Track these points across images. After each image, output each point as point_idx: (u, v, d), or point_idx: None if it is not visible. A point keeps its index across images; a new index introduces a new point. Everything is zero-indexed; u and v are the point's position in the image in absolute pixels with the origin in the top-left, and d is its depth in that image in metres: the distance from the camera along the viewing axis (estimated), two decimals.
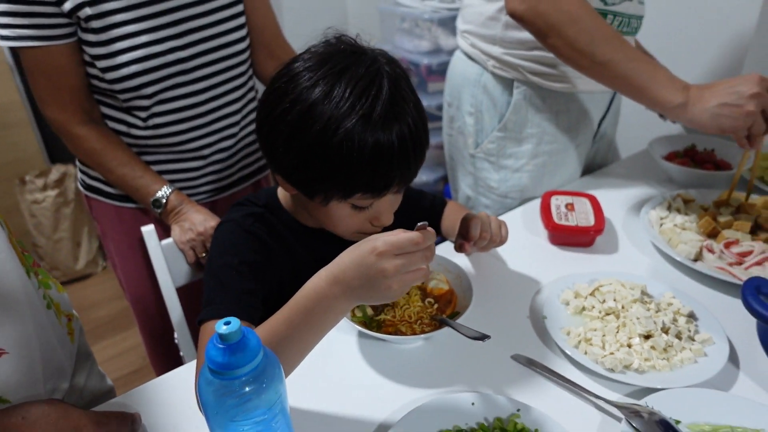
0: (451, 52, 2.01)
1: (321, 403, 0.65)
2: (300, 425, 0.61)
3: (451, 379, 0.66)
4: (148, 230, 0.92)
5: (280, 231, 0.75)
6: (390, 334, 0.70)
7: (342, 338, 0.74)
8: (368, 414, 0.63)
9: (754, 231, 0.88)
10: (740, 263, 0.82)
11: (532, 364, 0.68)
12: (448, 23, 1.96)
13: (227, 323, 0.44)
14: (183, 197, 0.94)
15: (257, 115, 0.69)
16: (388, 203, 0.69)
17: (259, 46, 1.02)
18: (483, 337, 0.61)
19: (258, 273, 0.70)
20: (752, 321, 0.66)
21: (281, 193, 0.77)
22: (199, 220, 0.92)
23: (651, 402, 0.60)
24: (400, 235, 0.54)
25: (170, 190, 0.93)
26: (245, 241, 0.72)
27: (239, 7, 0.96)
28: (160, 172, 0.98)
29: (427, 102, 2.04)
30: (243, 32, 0.97)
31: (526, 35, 0.92)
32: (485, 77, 1.01)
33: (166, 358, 1.14)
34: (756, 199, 0.94)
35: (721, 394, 0.62)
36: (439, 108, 2.06)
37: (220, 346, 0.44)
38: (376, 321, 0.72)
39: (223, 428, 0.47)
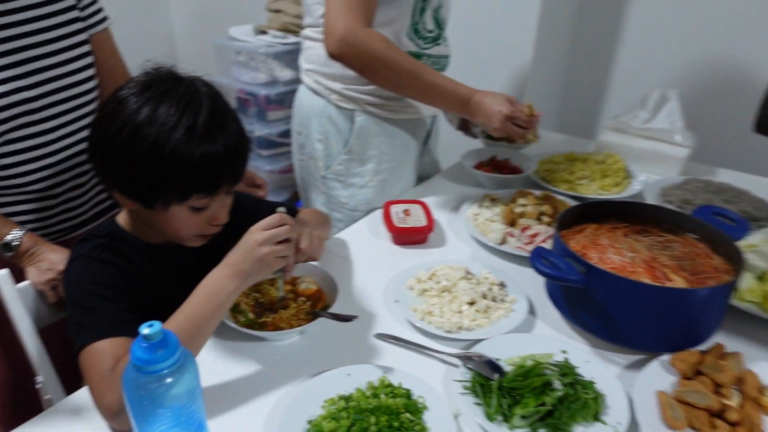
0: (288, 83, 2.17)
1: (220, 400, 0.74)
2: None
3: (329, 362, 0.79)
4: (3, 274, 0.91)
5: (128, 254, 0.82)
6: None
7: (229, 344, 0.83)
8: (260, 401, 0.74)
9: (539, 218, 1.16)
10: (532, 242, 1.08)
11: (391, 338, 0.85)
12: (283, 57, 2.11)
13: (150, 326, 0.53)
14: (36, 238, 0.95)
15: (90, 139, 0.77)
16: (222, 202, 0.80)
17: (109, 84, 1.07)
18: (351, 318, 0.77)
19: (122, 293, 0.76)
20: (543, 282, 0.90)
21: (121, 218, 0.85)
22: (58, 259, 0.93)
23: (479, 349, 0.80)
24: (267, 218, 0.71)
25: (21, 233, 0.93)
26: (100, 270, 0.78)
27: (86, 47, 1.00)
28: (11, 214, 0.97)
29: (267, 130, 2.16)
30: (91, 71, 1.02)
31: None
32: (329, 109, 1.18)
33: (14, 410, 1.08)
34: (540, 193, 1.24)
35: (526, 335, 0.85)
36: (280, 135, 2.20)
37: (145, 345, 0.53)
38: (259, 323, 0.84)
39: (151, 418, 0.55)
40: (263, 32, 2.17)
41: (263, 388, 0.76)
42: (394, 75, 1.06)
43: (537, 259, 0.83)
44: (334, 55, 1.05)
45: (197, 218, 0.77)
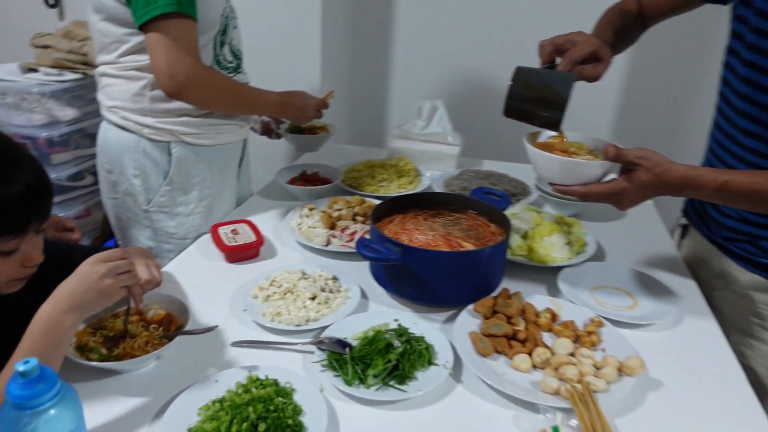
0: (71, 123, 2.03)
1: None
2: None
3: (193, 379, 0.83)
4: None
5: None
6: None
7: (86, 386, 0.82)
8: None
9: (354, 218, 1.33)
10: (352, 239, 1.24)
11: (247, 343, 0.92)
12: (61, 95, 1.98)
13: (25, 362, 0.54)
14: None
15: None
16: (33, 242, 0.81)
17: None
18: (211, 328, 0.82)
19: None
20: (368, 269, 1.06)
21: None
22: None
23: (328, 333, 0.92)
24: (106, 251, 0.74)
25: None
26: None
27: None
28: None
29: (54, 174, 2.00)
30: None
31: (173, 105, 1.15)
32: (143, 143, 1.19)
33: None
34: (351, 198, 1.41)
35: (363, 314, 1.00)
36: (69, 178, 2.05)
37: (22, 381, 0.54)
38: (114, 356, 0.84)
39: None
40: (33, 70, 2.00)
41: (132, 420, 0.77)
42: (231, 100, 1.22)
43: (362, 248, 0.98)
44: (176, 95, 1.11)
45: (9, 262, 0.76)
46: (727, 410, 0.83)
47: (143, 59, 1.15)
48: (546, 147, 0.99)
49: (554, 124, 0.97)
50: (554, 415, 0.77)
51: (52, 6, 2.15)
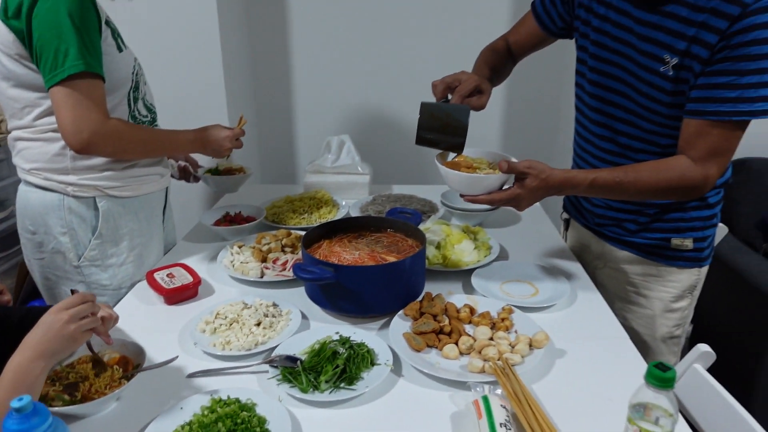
0: None
1: None
2: None
3: (160, 408, 0.89)
4: None
5: None
6: None
7: None
8: None
9: (283, 250, 1.43)
10: (285, 268, 1.34)
11: (203, 372, 0.99)
12: None
13: (19, 400, 0.60)
14: None
15: None
16: None
17: None
18: (172, 360, 0.89)
19: None
20: (303, 292, 1.16)
21: None
22: None
23: (277, 352, 1.01)
24: (68, 298, 0.80)
25: None
26: None
27: None
28: None
29: None
30: None
31: (95, 162, 1.20)
32: (68, 201, 1.22)
33: None
34: (277, 231, 1.50)
35: (306, 332, 1.09)
36: None
37: (17, 417, 0.59)
38: (77, 402, 0.88)
39: None
40: None
41: None
42: (143, 147, 1.28)
43: (299, 271, 1.09)
44: (84, 151, 1.15)
45: None
46: (617, 365, 1.02)
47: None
48: (454, 165, 1.17)
49: (458, 148, 1.15)
50: (483, 388, 0.91)
51: None
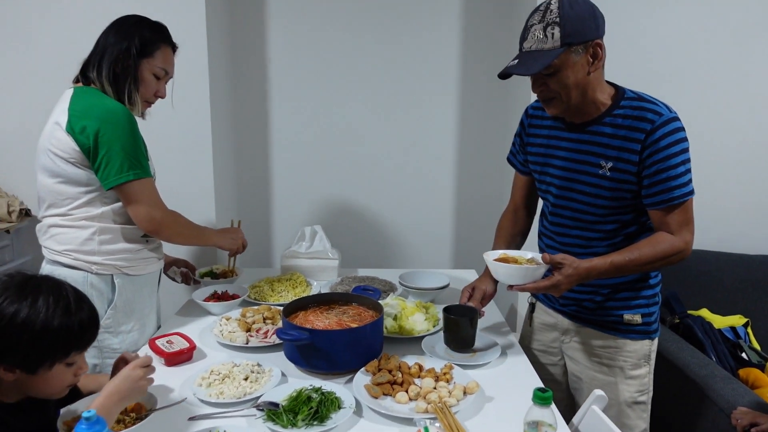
0: None
1: None
2: None
3: None
4: None
5: None
6: None
7: None
8: None
9: (265, 321, 1.69)
10: (267, 336, 1.59)
11: (202, 416, 1.22)
12: None
13: (89, 412, 0.84)
14: None
15: None
16: (84, 358, 1.11)
17: None
18: (181, 401, 1.13)
19: None
20: (282, 355, 1.42)
21: None
22: None
23: (263, 399, 1.26)
24: (140, 358, 1.06)
25: None
26: None
27: None
28: None
29: None
30: None
31: (117, 247, 1.48)
32: (91, 277, 1.48)
33: None
34: (260, 306, 1.77)
35: (285, 385, 1.33)
36: None
37: (85, 426, 0.84)
38: None
39: None
40: None
41: None
42: (189, 233, 1.67)
43: (282, 333, 1.36)
44: (155, 233, 1.54)
45: (68, 371, 1.04)
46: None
47: (93, 211, 1.48)
48: (501, 260, 1.44)
49: (469, 348, 1.54)
50: (425, 422, 1.17)
51: None
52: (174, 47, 1.62)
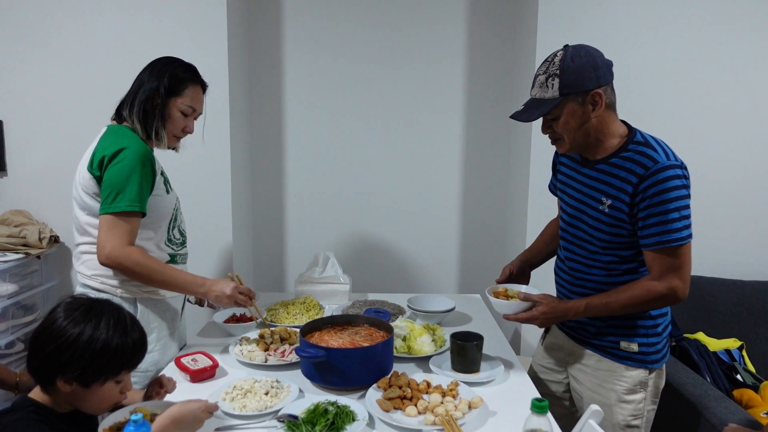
0: (10, 296, 2.29)
1: None
2: None
3: None
4: None
5: (48, 419, 1.13)
6: None
7: None
8: None
9: (281, 341, 1.80)
10: (284, 355, 1.70)
11: (227, 428, 1.32)
12: (3, 273, 2.27)
13: (136, 414, 0.95)
14: None
15: (30, 351, 1.12)
16: (129, 377, 1.22)
17: None
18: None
19: None
20: (299, 373, 1.53)
21: (36, 395, 1.15)
22: None
23: (283, 412, 1.36)
24: (211, 403, 1.20)
25: None
26: (38, 428, 1.08)
27: None
28: None
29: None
30: None
31: None
32: (115, 299, 1.59)
33: None
34: (277, 327, 1.88)
35: (302, 400, 1.44)
36: (5, 347, 2.27)
37: (134, 426, 0.95)
38: None
39: None
40: None
41: None
42: (148, 277, 1.58)
43: (301, 351, 1.47)
44: (104, 265, 1.56)
45: (116, 389, 1.15)
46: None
47: None
48: (498, 295, 1.66)
49: (474, 371, 1.64)
50: None
51: None
52: (204, 86, 1.76)
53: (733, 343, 2.19)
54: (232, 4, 2.50)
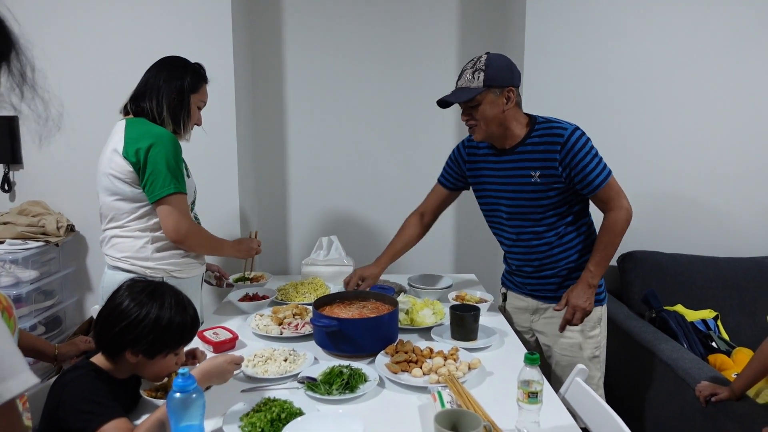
0: (32, 282, 2.42)
1: None
2: None
3: (228, 405, 1.37)
4: None
5: (107, 381, 1.27)
6: None
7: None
8: None
9: (294, 316, 1.95)
10: (297, 328, 1.85)
11: (251, 389, 1.47)
12: (24, 261, 2.39)
13: (183, 371, 1.10)
14: None
15: (101, 328, 1.26)
16: (183, 348, 1.37)
17: None
18: (237, 372, 1.38)
19: (112, 398, 1.22)
20: (313, 343, 1.69)
21: (97, 360, 1.29)
22: None
23: (302, 374, 1.51)
24: (231, 353, 1.35)
25: None
26: (97, 383, 1.22)
27: None
28: None
29: None
30: None
31: (167, 253, 1.75)
32: None
33: None
34: (289, 304, 2.03)
35: (318, 364, 1.59)
36: (28, 330, 2.39)
37: (181, 379, 1.09)
38: None
39: (184, 424, 1.09)
40: None
41: None
42: (209, 245, 1.86)
43: (315, 320, 1.62)
44: (179, 243, 1.74)
45: (173, 360, 1.31)
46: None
47: (146, 223, 1.75)
48: (459, 299, 1.88)
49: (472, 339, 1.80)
50: (438, 389, 1.43)
51: (6, 191, 2.63)
52: (207, 82, 1.92)
53: (708, 314, 2.37)
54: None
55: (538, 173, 1.76)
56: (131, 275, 1.74)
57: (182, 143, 1.92)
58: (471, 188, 2.04)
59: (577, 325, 1.77)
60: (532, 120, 1.82)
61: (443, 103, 1.78)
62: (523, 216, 1.85)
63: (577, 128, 1.75)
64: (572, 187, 1.77)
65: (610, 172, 1.75)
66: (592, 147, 1.74)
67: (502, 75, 1.73)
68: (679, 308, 2.40)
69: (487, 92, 1.72)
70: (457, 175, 2.05)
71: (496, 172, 1.88)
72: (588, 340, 1.86)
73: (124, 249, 1.77)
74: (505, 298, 2.10)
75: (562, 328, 1.80)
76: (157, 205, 1.71)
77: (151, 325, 1.25)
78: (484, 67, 1.71)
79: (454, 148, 2.09)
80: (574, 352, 1.87)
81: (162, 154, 1.69)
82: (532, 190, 1.79)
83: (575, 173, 1.73)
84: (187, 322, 1.30)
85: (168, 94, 1.77)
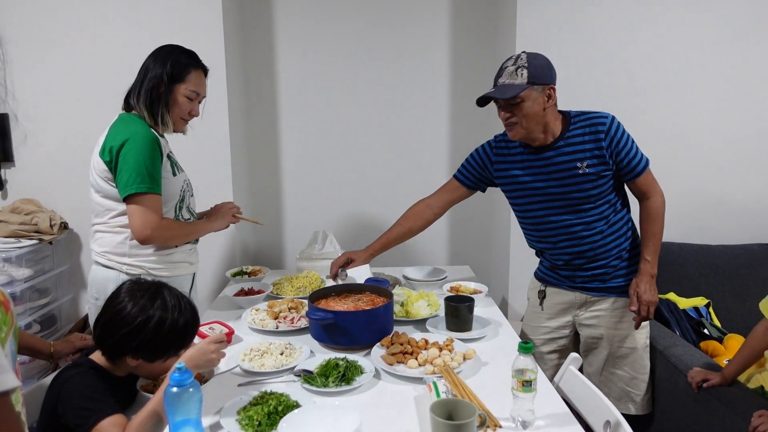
0: (26, 280, 2.41)
1: None
2: None
3: (225, 400, 1.38)
4: None
5: (105, 378, 1.28)
6: None
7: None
8: None
9: (290, 310, 1.95)
10: (293, 322, 1.86)
11: (248, 383, 1.48)
12: (18, 259, 2.39)
13: (180, 365, 1.11)
14: None
15: (101, 333, 1.26)
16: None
17: None
18: (234, 367, 1.39)
19: (110, 395, 1.23)
20: (309, 336, 1.69)
21: (96, 358, 1.30)
22: None
23: (298, 368, 1.52)
24: (216, 334, 1.33)
25: None
26: (95, 380, 1.23)
27: None
28: None
29: None
30: None
31: (146, 251, 1.73)
32: (122, 276, 1.70)
33: None
34: (284, 298, 2.03)
35: (314, 358, 1.61)
36: (24, 328, 2.39)
37: (178, 373, 1.10)
38: None
39: (180, 418, 1.10)
40: None
41: None
42: (181, 233, 1.80)
43: (311, 314, 1.63)
44: (147, 241, 1.69)
45: (174, 361, 1.29)
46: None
47: (125, 220, 1.72)
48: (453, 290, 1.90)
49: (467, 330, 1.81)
50: (433, 379, 1.44)
51: None
52: (205, 70, 1.86)
53: (700, 301, 2.39)
54: None
55: (585, 163, 1.77)
56: (109, 271, 1.73)
57: (174, 137, 1.89)
58: (501, 189, 2.00)
59: (651, 319, 1.79)
60: (566, 115, 1.83)
61: (482, 100, 1.77)
62: (573, 208, 1.83)
63: (613, 116, 1.79)
64: (617, 174, 1.80)
65: (648, 160, 1.80)
66: (629, 134, 1.79)
67: (543, 73, 1.72)
68: (672, 296, 2.42)
69: (530, 90, 1.71)
70: (480, 175, 2.02)
71: (536, 170, 1.84)
72: (641, 331, 1.89)
73: (104, 244, 1.75)
74: (544, 296, 2.02)
75: (637, 326, 1.81)
76: (126, 203, 1.69)
77: (152, 333, 1.25)
78: (526, 65, 1.70)
79: (478, 147, 2.04)
80: (630, 342, 1.89)
81: (132, 153, 1.65)
82: (582, 181, 1.78)
83: (620, 159, 1.77)
84: (188, 324, 1.31)
85: (147, 84, 1.74)
